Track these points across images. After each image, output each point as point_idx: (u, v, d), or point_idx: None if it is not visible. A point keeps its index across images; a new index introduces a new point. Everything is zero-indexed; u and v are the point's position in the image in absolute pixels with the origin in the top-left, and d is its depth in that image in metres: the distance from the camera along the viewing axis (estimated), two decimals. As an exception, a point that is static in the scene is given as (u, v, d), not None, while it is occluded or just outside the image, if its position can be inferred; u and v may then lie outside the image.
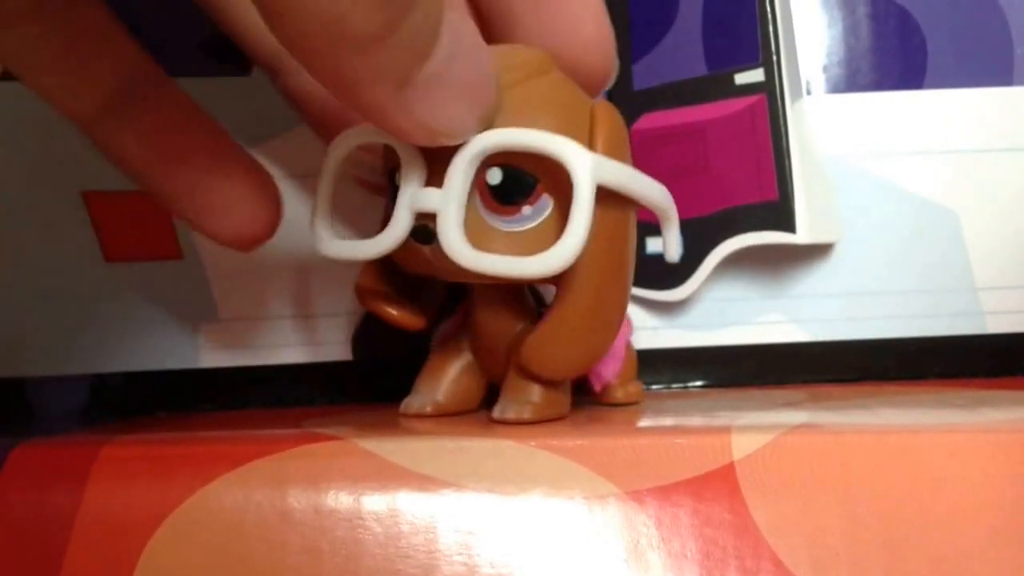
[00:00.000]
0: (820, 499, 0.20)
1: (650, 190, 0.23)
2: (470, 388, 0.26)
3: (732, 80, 0.30)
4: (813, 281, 0.31)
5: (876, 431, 0.21)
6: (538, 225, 0.23)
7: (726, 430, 0.21)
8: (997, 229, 0.31)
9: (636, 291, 0.29)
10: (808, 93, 0.31)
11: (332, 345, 0.31)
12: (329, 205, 0.24)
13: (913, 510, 0.20)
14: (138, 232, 0.30)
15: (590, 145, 0.22)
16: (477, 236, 0.22)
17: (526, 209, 0.22)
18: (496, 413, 0.24)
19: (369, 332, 0.31)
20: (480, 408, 0.26)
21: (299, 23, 0.17)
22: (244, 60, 0.30)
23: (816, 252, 0.31)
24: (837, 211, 0.31)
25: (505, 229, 0.22)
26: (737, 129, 0.30)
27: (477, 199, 0.22)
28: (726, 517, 0.20)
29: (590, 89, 0.24)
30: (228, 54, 0.28)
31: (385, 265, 0.25)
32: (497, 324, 0.25)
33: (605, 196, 0.22)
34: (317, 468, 0.21)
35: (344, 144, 0.23)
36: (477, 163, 0.21)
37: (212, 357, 0.31)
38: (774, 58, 0.30)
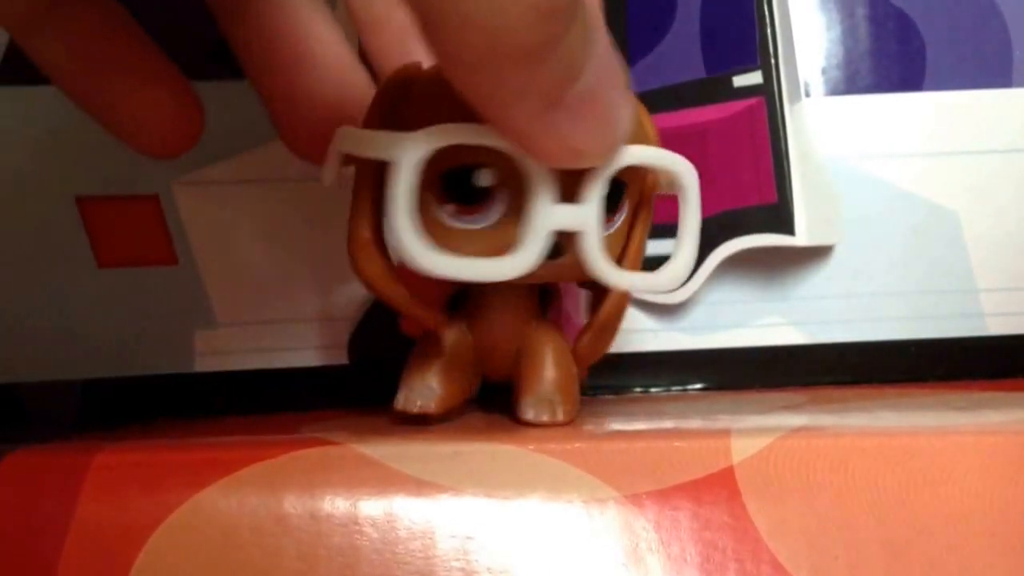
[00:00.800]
0: (820, 502, 0.20)
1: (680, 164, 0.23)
2: (461, 381, 0.25)
3: (730, 82, 0.30)
4: (812, 283, 0.31)
5: (876, 434, 0.21)
6: (618, 228, 0.23)
7: (725, 433, 0.21)
8: (997, 230, 0.31)
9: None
10: (807, 95, 0.31)
11: (328, 349, 0.31)
12: (415, 216, 0.21)
13: (913, 513, 0.20)
14: (132, 238, 0.30)
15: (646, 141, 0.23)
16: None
17: (617, 217, 0.23)
18: (530, 416, 0.24)
19: (365, 336, 0.31)
20: (470, 400, 0.26)
21: (461, 34, 0.16)
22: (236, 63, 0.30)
23: (815, 254, 0.31)
24: (836, 213, 0.31)
25: (603, 234, 0.22)
26: (736, 131, 0.30)
27: None
28: (726, 520, 0.20)
29: None
30: (222, 57, 0.28)
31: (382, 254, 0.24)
32: (512, 324, 0.25)
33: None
34: (313, 473, 0.20)
35: (423, 145, 0.20)
36: (610, 179, 0.21)
37: (208, 362, 0.31)
38: (772, 60, 0.30)
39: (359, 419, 0.27)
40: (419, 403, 0.25)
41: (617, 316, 0.25)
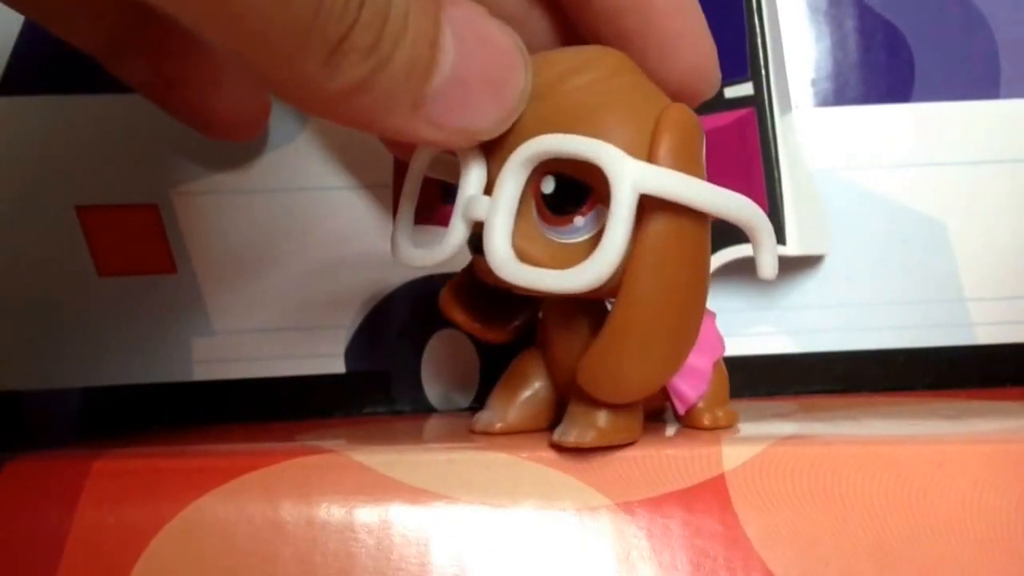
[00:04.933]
0: (810, 510, 0.20)
1: (723, 201, 0.21)
2: (543, 407, 0.24)
3: (721, 94, 0.30)
4: (803, 292, 0.31)
5: (865, 442, 0.21)
6: (591, 237, 0.21)
7: (716, 441, 0.22)
8: (985, 240, 0.31)
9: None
10: (796, 107, 0.31)
11: (325, 358, 0.31)
12: (411, 215, 0.23)
13: (902, 520, 0.20)
14: (132, 246, 0.30)
15: (651, 151, 0.20)
16: (529, 246, 0.21)
17: (578, 220, 0.21)
18: (556, 436, 0.22)
19: (362, 345, 0.31)
20: (553, 427, 0.23)
21: (305, 91, 0.18)
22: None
23: (806, 264, 0.31)
24: (826, 223, 0.31)
25: (558, 240, 0.21)
26: (727, 142, 0.30)
27: (534, 209, 0.21)
28: (717, 528, 0.20)
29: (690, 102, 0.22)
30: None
31: (472, 276, 0.24)
32: (567, 339, 0.23)
33: (669, 205, 0.20)
34: (309, 481, 0.21)
35: (426, 152, 0.23)
36: (527, 170, 0.21)
37: (206, 370, 0.31)
38: (763, 72, 0.30)
39: (355, 427, 0.27)
40: (480, 425, 0.24)
41: (627, 331, 0.21)
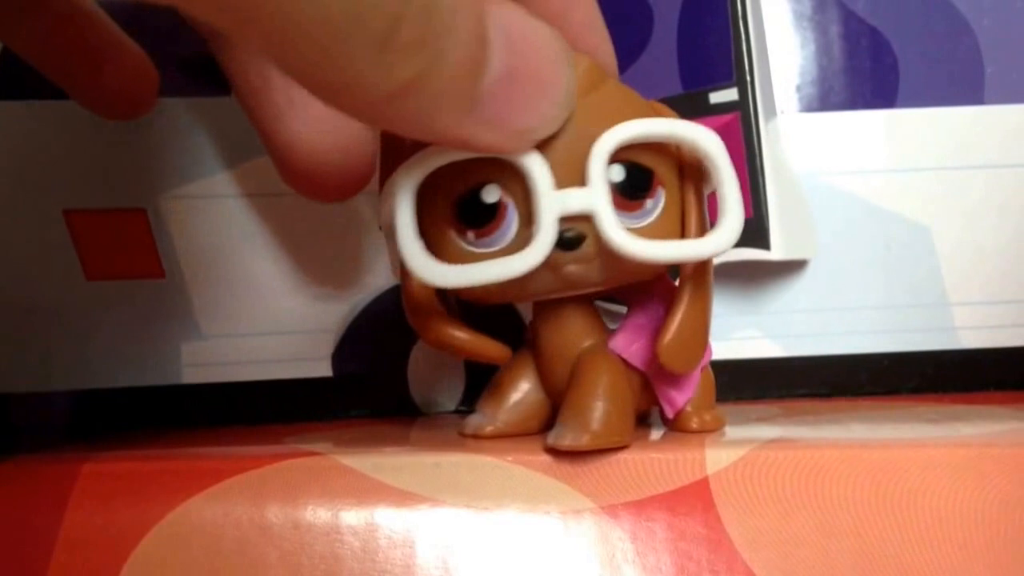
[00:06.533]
0: (793, 513, 0.20)
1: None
2: (533, 410, 0.25)
3: (707, 99, 0.30)
4: (787, 297, 0.31)
5: (849, 445, 0.21)
6: (657, 218, 0.22)
7: (700, 445, 0.22)
8: (969, 245, 0.31)
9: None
10: (781, 112, 0.31)
11: (313, 362, 0.31)
12: (417, 232, 0.21)
13: (885, 524, 0.20)
14: (120, 250, 0.30)
15: None
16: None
17: (648, 203, 0.22)
18: (551, 439, 0.22)
19: (349, 349, 0.31)
20: (543, 431, 0.24)
21: (353, 93, 0.17)
22: (225, 80, 0.30)
23: (790, 268, 0.31)
24: (811, 228, 0.31)
25: (633, 226, 0.22)
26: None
27: None
28: (700, 531, 0.20)
29: None
30: (209, 73, 0.28)
31: (452, 307, 0.24)
32: (563, 342, 0.24)
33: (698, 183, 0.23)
34: (296, 483, 0.21)
35: (422, 166, 0.21)
36: (608, 158, 0.21)
37: (194, 374, 0.31)
38: (748, 77, 0.30)
39: (342, 431, 0.28)
40: (470, 428, 0.25)
41: (699, 308, 0.23)
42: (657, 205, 0.22)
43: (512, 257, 0.21)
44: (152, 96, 0.27)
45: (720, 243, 0.21)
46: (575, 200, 0.21)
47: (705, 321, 0.23)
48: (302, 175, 0.26)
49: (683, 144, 0.22)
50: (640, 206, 0.22)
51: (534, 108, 0.20)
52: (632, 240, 0.21)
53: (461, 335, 0.23)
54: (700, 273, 0.23)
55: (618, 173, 0.22)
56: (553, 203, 0.21)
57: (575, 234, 0.21)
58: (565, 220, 0.21)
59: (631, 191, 0.22)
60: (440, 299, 0.23)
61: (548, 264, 0.21)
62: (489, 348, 0.23)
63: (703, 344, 0.23)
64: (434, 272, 0.21)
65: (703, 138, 0.21)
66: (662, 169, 0.22)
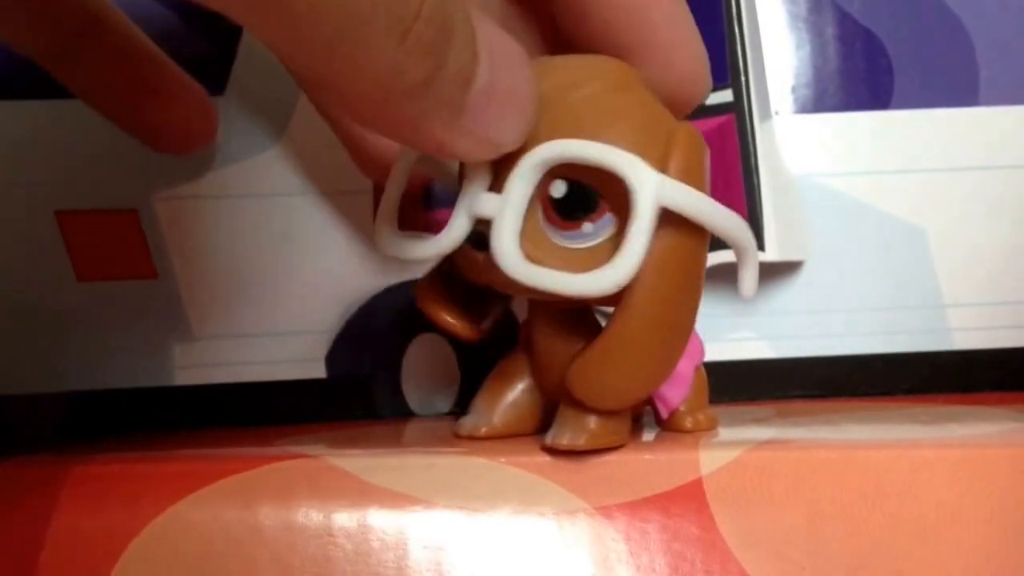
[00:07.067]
0: (787, 514, 0.20)
1: (724, 221, 0.21)
2: (528, 410, 0.24)
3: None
4: (782, 298, 0.31)
5: (842, 447, 0.21)
6: (599, 244, 0.21)
7: (694, 446, 0.22)
8: (964, 246, 0.31)
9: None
10: (776, 113, 0.31)
11: (306, 363, 0.31)
12: (396, 207, 0.23)
13: (879, 525, 0.20)
14: (112, 252, 0.30)
15: (663, 166, 0.20)
16: (534, 248, 0.21)
17: (587, 226, 0.21)
18: (548, 439, 0.22)
19: (342, 350, 0.31)
20: (538, 431, 0.24)
21: (357, 86, 0.17)
22: (219, 79, 0.30)
23: (785, 270, 0.31)
24: (806, 230, 0.31)
25: (565, 245, 0.21)
26: (706, 148, 0.30)
27: (540, 212, 0.21)
28: (694, 532, 0.20)
29: (677, 111, 0.23)
30: (203, 73, 0.28)
31: (448, 271, 0.24)
32: (555, 344, 0.23)
33: (675, 219, 0.20)
34: (288, 485, 0.21)
35: (412, 152, 0.23)
36: (540, 172, 0.21)
37: (187, 375, 0.31)
38: (742, 79, 0.30)
39: (335, 432, 0.27)
40: (464, 429, 0.24)
41: (622, 347, 0.21)
42: (601, 231, 0.21)
43: (428, 241, 0.22)
44: (212, 132, 0.29)
45: (598, 284, 0.20)
46: (484, 204, 0.21)
47: (632, 351, 0.21)
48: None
49: (614, 174, 0.20)
50: (576, 227, 0.21)
51: (508, 122, 0.20)
52: (509, 254, 0.20)
53: (434, 307, 0.24)
54: (633, 301, 0.21)
55: (559, 189, 0.21)
56: (468, 202, 0.21)
57: (480, 235, 0.21)
58: (481, 221, 0.21)
59: (566, 210, 0.21)
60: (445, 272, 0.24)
61: (471, 258, 0.22)
62: (456, 328, 0.24)
63: (624, 376, 0.21)
64: (390, 243, 0.23)
65: (631, 174, 0.20)
66: (620, 199, 0.21)
